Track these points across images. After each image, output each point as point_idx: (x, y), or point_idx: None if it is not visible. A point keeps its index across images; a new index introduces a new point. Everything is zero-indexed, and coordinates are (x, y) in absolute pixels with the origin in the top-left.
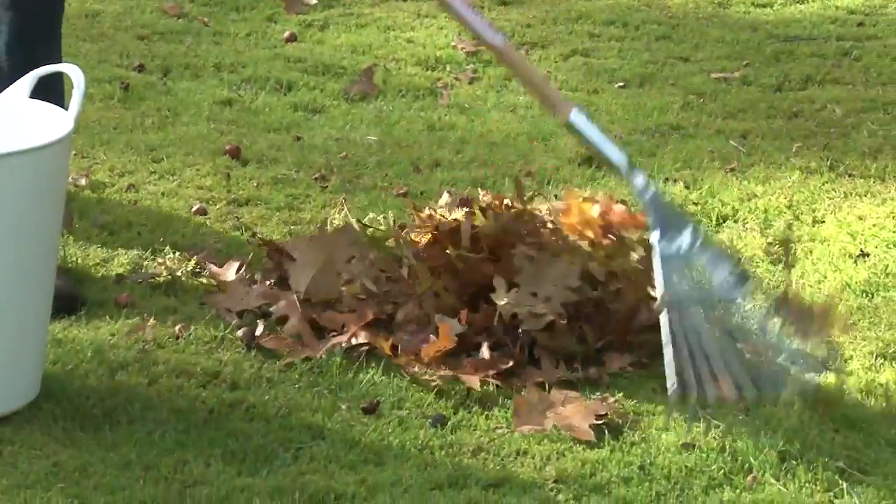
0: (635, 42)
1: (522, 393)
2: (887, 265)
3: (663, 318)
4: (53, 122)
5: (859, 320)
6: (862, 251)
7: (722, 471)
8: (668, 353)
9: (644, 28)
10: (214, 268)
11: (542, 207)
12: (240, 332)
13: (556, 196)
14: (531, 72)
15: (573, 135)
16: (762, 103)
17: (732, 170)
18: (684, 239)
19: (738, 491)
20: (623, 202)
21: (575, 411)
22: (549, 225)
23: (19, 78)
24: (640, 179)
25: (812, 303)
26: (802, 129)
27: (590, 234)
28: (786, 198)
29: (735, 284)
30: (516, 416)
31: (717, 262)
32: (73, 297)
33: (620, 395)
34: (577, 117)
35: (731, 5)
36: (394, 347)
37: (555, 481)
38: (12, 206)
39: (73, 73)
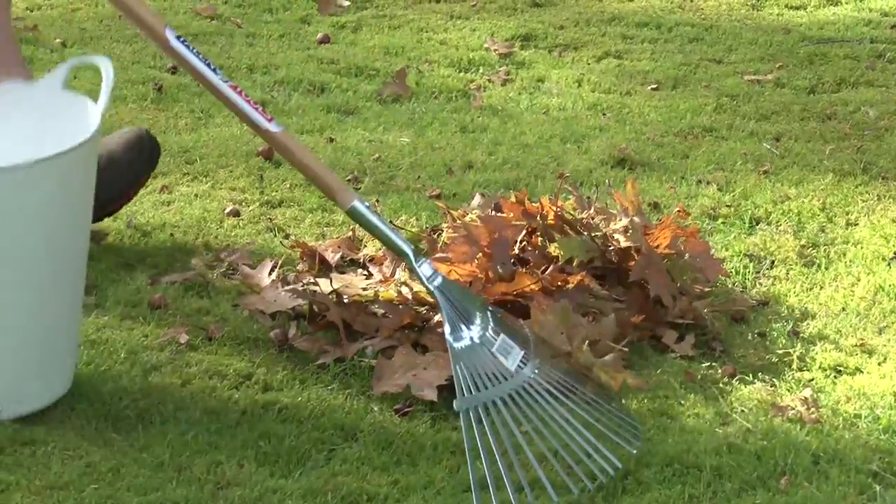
0: (668, 44)
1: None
2: None
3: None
4: (83, 116)
5: (893, 323)
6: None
7: (755, 473)
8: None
9: (677, 30)
10: (247, 269)
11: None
12: (273, 334)
13: (588, 198)
14: (310, 159)
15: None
16: (795, 105)
17: (765, 172)
18: (474, 329)
19: (771, 493)
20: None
21: (432, 372)
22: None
23: None
24: (426, 268)
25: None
26: (836, 132)
27: None
28: (819, 200)
29: (527, 363)
30: (376, 380)
31: (508, 346)
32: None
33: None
34: (360, 206)
35: (764, 7)
36: (424, 348)
37: (582, 478)
38: (44, 208)
39: (104, 65)
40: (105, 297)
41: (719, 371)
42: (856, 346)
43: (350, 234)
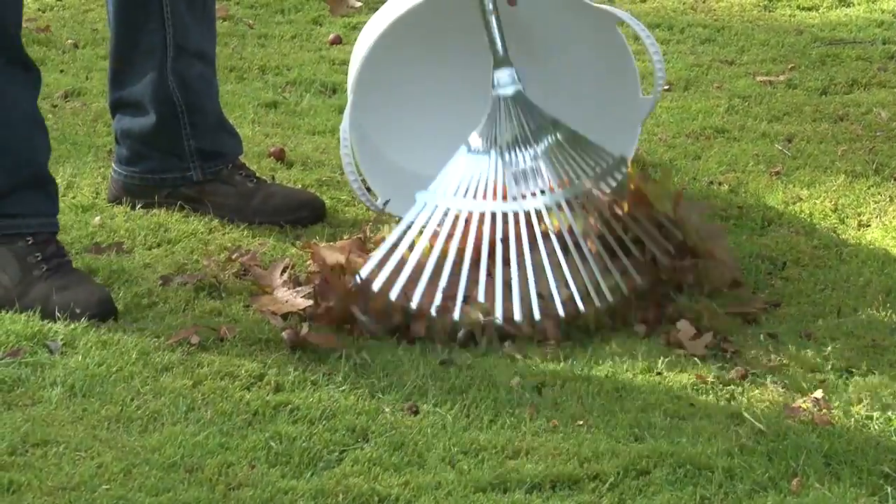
0: (680, 45)
1: None
2: None
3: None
4: None
5: None
6: None
7: (767, 474)
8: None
9: (689, 31)
10: (259, 270)
11: None
12: (284, 335)
13: None
14: None
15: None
16: (807, 107)
17: (777, 173)
18: (504, 149)
19: (783, 495)
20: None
21: None
22: None
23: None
24: (503, 75)
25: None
26: (848, 133)
27: None
28: (831, 202)
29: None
30: None
31: (529, 174)
32: (106, 303)
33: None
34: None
35: (776, 8)
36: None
37: (594, 478)
38: None
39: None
40: (117, 298)
41: (731, 372)
42: (868, 346)
43: (360, 235)
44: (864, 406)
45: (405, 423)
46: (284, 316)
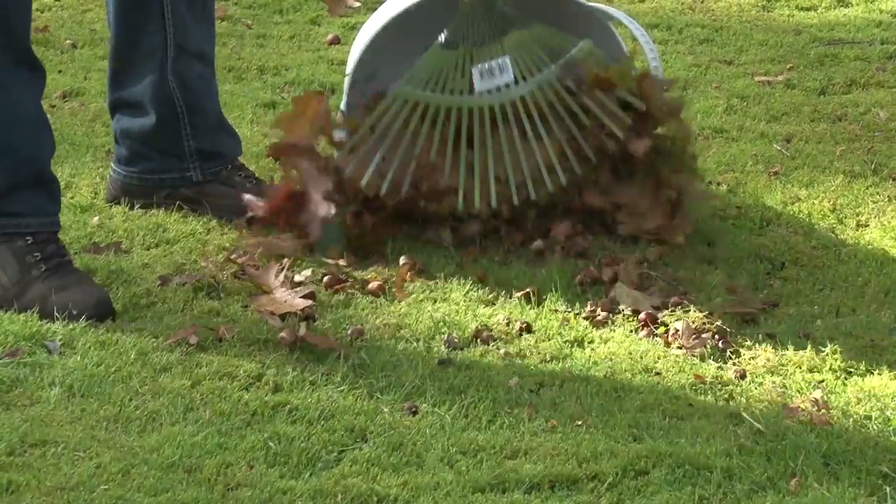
0: (679, 45)
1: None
2: None
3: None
4: None
5: None
6: None
7: (766, 474)
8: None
9: (688, 31)
10: (254, 271)
11: None
12: (283, 335)
13: None
14: None
15: None
16: (806, 107)
17: (776, 173)
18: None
19: (781, 495)
20: None
21: None
22: None
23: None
24: None
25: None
26: (846, 133)
27: None
28: (829, 202)
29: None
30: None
31: (497, 69)
32: (104, 304)
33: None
34: None
35: (774, 9)
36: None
37: (592, 478)
38: None
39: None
40: (115, 298)
41: (729, 373)
42: (866, 347)
43: None
44: (862, 406)
45: (404, 423)
46: (283, 316)
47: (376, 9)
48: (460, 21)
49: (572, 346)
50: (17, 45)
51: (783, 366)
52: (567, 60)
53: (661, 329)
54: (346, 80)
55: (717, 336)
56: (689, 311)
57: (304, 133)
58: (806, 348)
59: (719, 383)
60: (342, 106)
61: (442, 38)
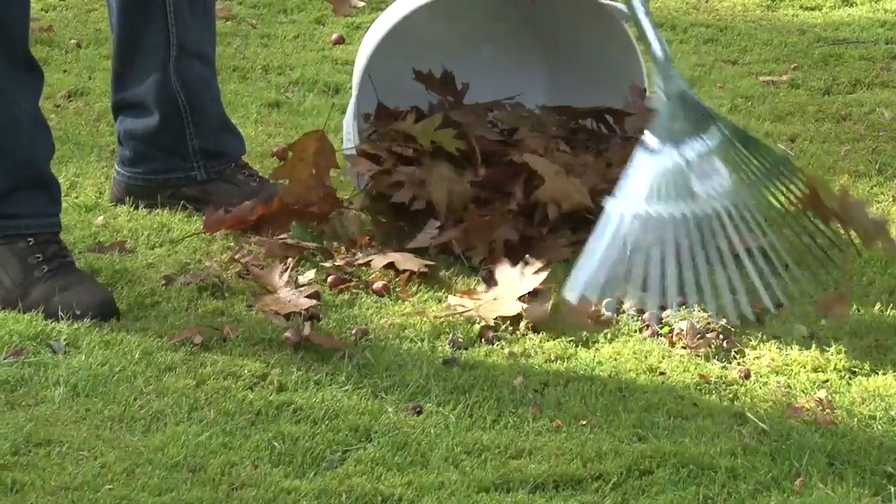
0: (683, 45)
1: None
2: None
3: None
4: None
5: None
6: None
7: (770, 474)
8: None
9: (692, 31)
10: (258, 270)
11: None
12: (287, 334)
13: None
14: None
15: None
16: (810, 106)
17: None
18: (679, 144)
19: (786, 495)
20: None
21: None
22: None
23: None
24: (665, 77)
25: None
26: (851, 133)
27: None
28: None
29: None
30: None
31: (710, 171)
32: (108, 304)
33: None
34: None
35: (779, 8)
36: None
37: (597, 478)
38: None
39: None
40: (120, 298)
41: (734, 372)
42: (871, 347)
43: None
44: (867, 406)
45: (408, 422)
46: (287, 316)
47: (382, 8)
48: (661, 123)
49: (577, 346)
50: (13, 46)
51: (788, 366)
52: (773, 168)
53: (666, 329)
54: (353, 92)
55: (721, 336)
56: (694, 310)
57: (309, 176)
58: (810, 348)
59: (724, 383)
60: (346, 121)
61: (645, 142)
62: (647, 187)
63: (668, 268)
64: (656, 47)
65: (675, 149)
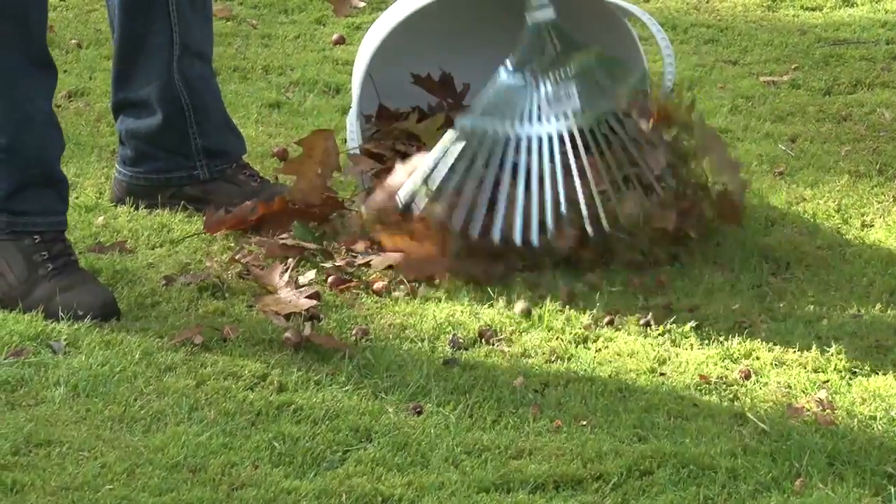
0: (684, 45)
1: None
2: None
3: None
4: None
5: None
6: None
7: (770, 475)
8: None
9: (693, 31)
10: (258, 271)
11: None
12: (287, 335)
13: None
14: None
15: None
16: (811, 107)
17: (781, 173)
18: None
19: (786, 495)
20: None
21: None
22: None
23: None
24: None
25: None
26: (851, 133)
27: None
28: (834, 202)
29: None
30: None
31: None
32: (109, 304)
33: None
34: None
35: (779, 9)
36: None
37: (597, 478)
38: None
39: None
40: (120, 298)
41: (734, 373)
42: (871, 347)
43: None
44: (867, 406)
45: (409, 423)
46: (288, 316)
47: (382, 9)
48: (524, 48)
49: (577, 346)
50: (33, 43)
51: (788, 366)
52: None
53: (665, 329)
54: (355, 92)
55: (720, 335)
56: (694, 311)
57: (315, 175)
58: (811, 348)
59: (724, 383)
60: (350, 119)
61: (508, 64)
62: (484, 103)
63: (456, 173)
64: None
65: (526, 73)
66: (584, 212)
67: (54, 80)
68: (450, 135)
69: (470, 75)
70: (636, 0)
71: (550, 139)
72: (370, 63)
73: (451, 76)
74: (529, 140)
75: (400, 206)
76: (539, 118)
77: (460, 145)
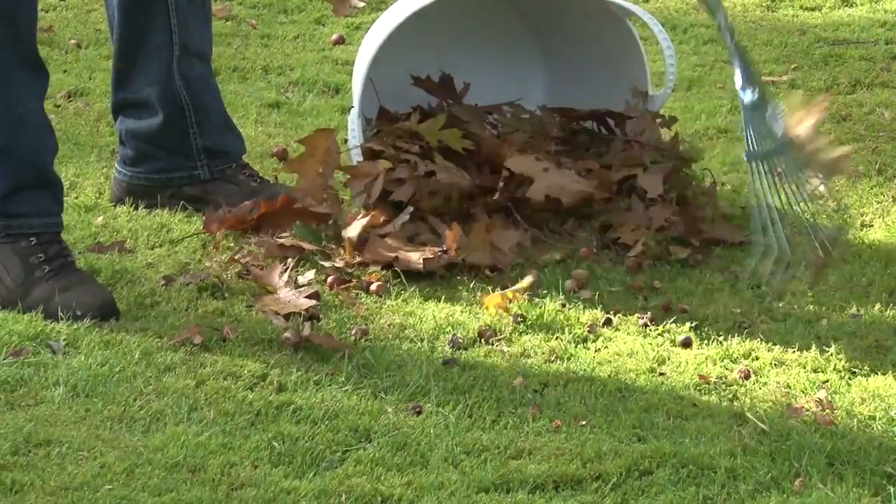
0: (684, 45)
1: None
2: None
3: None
4: None
5: None
6: None
7: (770, 474)
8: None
9: (692, 31)
10: (258, 271)
11: None
12: (287, 335)
13: None
14: None
15: None
16: None
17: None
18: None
19: (785, 495)
20: None
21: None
22: None
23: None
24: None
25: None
26: (851, 133)
27: None
28: (834, 202)
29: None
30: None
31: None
32: (108, 304)
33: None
34: None
35: (779, 9)
36: None
37: (596, 478)
38: None
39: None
40: (119, 298)
41: (734, 372)
42: (870, 347)
43: None
44: (866, 406)
45: (408, 423)
46: (287, 316)
47: (382, 9)
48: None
49: (576, 346)
50: (23, 45)
51: (787, 366)
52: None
53: (665, 329)
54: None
55: (720, 335)
56: (694, 311)
57: (317, 174)
58: (810, 348)
59: (723, 383)
60: (351, 118)
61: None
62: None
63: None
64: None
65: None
66: None
67: (45, 81)
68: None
69: (469, 76)
70: (636, 0)
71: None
72: (370, 66)
73: (451, 77)
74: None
75: None
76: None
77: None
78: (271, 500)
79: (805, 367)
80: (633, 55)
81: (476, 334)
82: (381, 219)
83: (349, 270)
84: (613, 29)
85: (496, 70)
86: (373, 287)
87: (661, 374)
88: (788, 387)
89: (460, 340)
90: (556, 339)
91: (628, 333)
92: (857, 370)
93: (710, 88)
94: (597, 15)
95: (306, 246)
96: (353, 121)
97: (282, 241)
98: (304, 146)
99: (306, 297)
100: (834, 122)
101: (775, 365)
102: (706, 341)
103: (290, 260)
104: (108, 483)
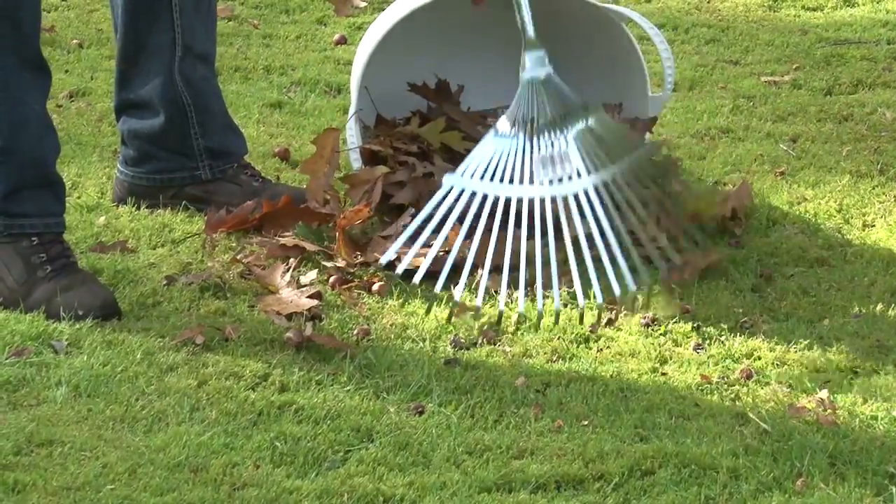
0: (685, 45)
1: None
2: None
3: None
4: None
5: None
6: None
7: (772, 474)
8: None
9: (694, 31)
10: (260, 271)
11: None
12: (289, 335)
13: None
14: None
15: None
16: (812, 107)
17: (782, 173)
18: (535, 131)
19: (787, 495)
20: None
21: None
22: None
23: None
24: (530, 59)
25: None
26: (853, 133)
27: None
28: (835, 202)
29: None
30: None
31: (557, 159)
32: (110, 304)
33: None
34: None
35: (781, 9)
36: None
37: (598, 478)
38: None
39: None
40: (122, 298)
41: (736, 373)
42: (873, 346)
43: None
44: (869, 406)
45: (410, 423)
46: (289, 316)
47: (383, 9)
48: (517, 108)
49: (578, 346)
50: (25, 46)
51: (789, 366)
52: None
53: (666, 328)
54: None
55: (722, 335)
56: (695, 311)
57: (322, 172)
58: (812, 348)
59: (725, 383)
60: (349, 124)
61: (497, 127)
62: (483, 167)
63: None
64: (528, 28)
65: (522, 134)
66: None
67: (48, 82)
68: (440, 192)
69: (465, 77)
70: (638, 0)
71: (543, 202)
72: (365, 72)
73: (447, 82)
74: (520, 201)
75: (382, 265)
76: (531, 181)
77: (450, 204)
78: (273, 499)
79: (807, 367)
80: (631, 60)
81: (478, 334)
82: (367, 211)
83: (351, 270)
84: (610, 34)
85: (493, 75)
86: (375, 287)
87: (663, 374)
88: (790, 387)
89: (462, 340)
90: (558, 339)
91: (630, 333)
92: (859, 370)
93: (711, 88)
94: (593, 20)
95: (308, 246)
96: (352, 127)
97: (284, 241)
98: (315, 146)
99: (308, 297)
100: (836, 122)
101: (777, 365)
102: (708, 341)
103: (292, 260)
104: (111, 483)
